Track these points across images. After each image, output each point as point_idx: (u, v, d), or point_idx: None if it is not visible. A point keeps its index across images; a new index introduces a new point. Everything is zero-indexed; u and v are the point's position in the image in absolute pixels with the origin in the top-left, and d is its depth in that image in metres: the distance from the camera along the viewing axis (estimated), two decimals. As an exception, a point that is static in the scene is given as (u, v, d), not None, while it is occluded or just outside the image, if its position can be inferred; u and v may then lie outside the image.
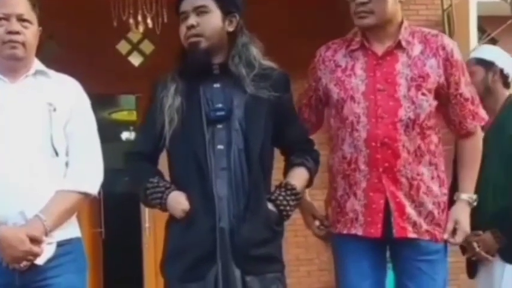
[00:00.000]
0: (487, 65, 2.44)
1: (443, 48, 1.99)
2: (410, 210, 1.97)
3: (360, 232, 2.00)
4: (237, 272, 1.81)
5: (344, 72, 2.02)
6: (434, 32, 2.07)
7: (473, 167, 2.10)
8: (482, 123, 2.10)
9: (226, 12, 1.91)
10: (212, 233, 1.81)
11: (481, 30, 4.99)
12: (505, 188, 2.16)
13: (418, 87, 1.96)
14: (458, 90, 2.01)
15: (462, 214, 2.05)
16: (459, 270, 2.60)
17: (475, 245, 2.37)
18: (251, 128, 1.86)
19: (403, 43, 1.99)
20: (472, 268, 2.50)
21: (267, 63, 1.96)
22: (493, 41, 5.09)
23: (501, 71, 2.47)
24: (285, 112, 1.95)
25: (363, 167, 1.98)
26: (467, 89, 2.04)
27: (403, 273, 2.05)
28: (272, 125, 1.91)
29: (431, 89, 1.98)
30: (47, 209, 1.82)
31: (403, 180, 1.96)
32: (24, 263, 1.78)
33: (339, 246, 2.10)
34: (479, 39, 4.85)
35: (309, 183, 2.00)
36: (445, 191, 2.06)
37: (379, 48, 2.00)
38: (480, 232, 2.36)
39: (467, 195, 2.07)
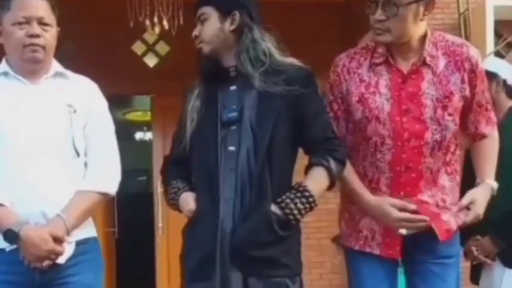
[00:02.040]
0: (491, 76, 2.49)
1: (469, 60, 1.94)
2: (446, 217, 1.96)
3: (376, 251, 1.99)
4: (237, 273, 1.77)
5: (367, 89, 1.96)
6: (459, 41, 2.01)
7: (491, 159, 2.08)
8: (496, 127, 2.10)
9: (226, 12, 1.88)
10: (215, 233, 1.79)
11: (498, 34, 4.94)
12: (503, 195, 2.20)
13: (444, 108, 1.92)
14: (477, 98, 2.00)
15: (480, 196, 2.01)
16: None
17: (473, 249, 2.48)
18: (259, 127, 1.81)
19: (428, 59, 1.93)
20: (476, 274, 2.57)
21: (288, 59, 1.88)
22: (510, 46, 5.05)
23: (504, 81, 2.56)
24: (304, 108, 1.84)
25: (384, 188, 1.96)
26: (483, 96, 2.02)
27: (415, 275, 2.05)
28: (288, 122, 1.83)
29: (457, 108, 1.95)
30: (67, 209, 1.85)
31: (426, 198, 1.95)
32: (46, 262, 1.80)
33: (355, 259, 2.07)
34: (496, 43, 4.80)
35: (331, 185, 1.88)
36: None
37: (404, 65, 1.95)
38: (479, 237, 2.46)
39: (491, 181, 2.04)
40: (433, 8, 1.91)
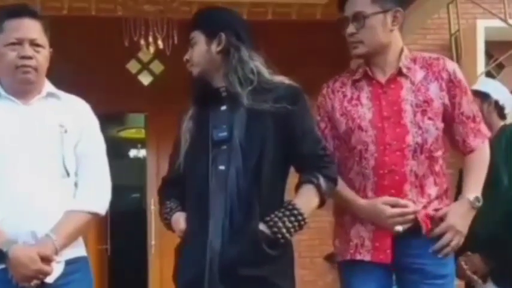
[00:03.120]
0: (483, 96, 2.55)
1: (446, 71, 2.02)
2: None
3: (367, 258, 1.99)
4: None
5: (350, 102, 2.05)
6: (435, 55, 2.09)
7: (478, 173, 2.06)
8: (485, 140, 2.10)
9: (212, 35, 1.91)
10: (204, 253, 1.79)
11: (488, 55, 5.01)
12: (490, 215, 2.21)
13: (424, 113, 1.98)
14: (460, 110, 2.03)
15: (454, 209, 2.00)
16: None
17: (464, 266, 2.48)
18: (248, 146, 1.82)
19: (404, 70, 2.01)
20: None
21: (277, 78, 1.90)
22: (500, 66, 5.12)
23: (496, 102, 2.60)
24: (293, 126, 1.85)
25: (370, 194, 2.00)
26: (469, 108, 2.05)
27: None
28: (277, 140, 1.84)
29: (437, 113, 2.00)
30: (57, 229, 1.86)
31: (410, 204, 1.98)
32: (34, 282, 1.80)
33: (346, 271, 2.08)
34: (487, 64, 4.87)
35: (321, 202, 1.88)
36: None
37: (382, 77, 2.03)
38: (469, 253, 2.47)
39: (471, 194, 2.01)
40: (401, 19, 2.02)
